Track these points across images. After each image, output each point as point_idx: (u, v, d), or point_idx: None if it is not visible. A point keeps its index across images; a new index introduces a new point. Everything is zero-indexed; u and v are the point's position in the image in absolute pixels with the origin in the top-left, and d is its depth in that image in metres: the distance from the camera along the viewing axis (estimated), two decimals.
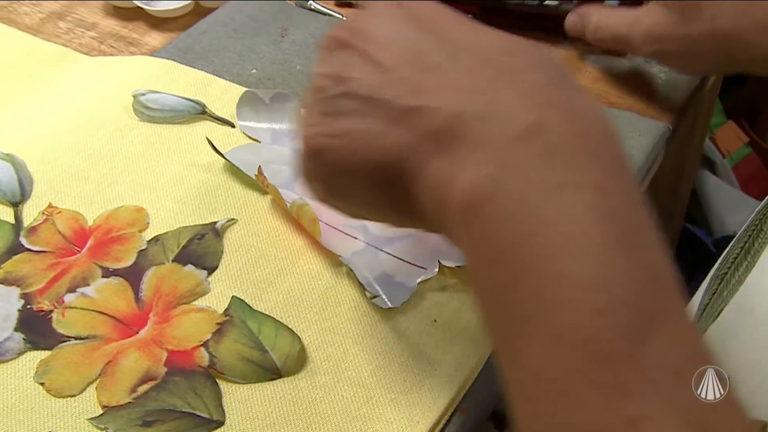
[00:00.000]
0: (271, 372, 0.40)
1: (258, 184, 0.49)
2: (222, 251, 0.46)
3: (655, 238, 0.25)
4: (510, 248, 0.24)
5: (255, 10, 0.64)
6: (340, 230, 0.47)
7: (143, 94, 0.55)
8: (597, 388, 0.22)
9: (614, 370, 0.22)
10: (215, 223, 0.47)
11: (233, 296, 0.43)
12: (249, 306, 0.43)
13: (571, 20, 0.57)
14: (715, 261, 0.42)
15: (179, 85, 0.56)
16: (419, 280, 0.44)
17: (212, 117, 0.54)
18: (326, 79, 0.31)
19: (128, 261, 0.45)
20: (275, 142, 0.52)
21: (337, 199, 0.34)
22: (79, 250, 0.46)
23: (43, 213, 0.48)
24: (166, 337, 0.42)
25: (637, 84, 0.57)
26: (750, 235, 0.39)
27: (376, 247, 0.46)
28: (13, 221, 0.47)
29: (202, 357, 0.41)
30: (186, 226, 0.47)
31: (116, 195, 0.49)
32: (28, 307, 0.43)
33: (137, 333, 0.42)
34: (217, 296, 0.44)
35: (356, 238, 0.46)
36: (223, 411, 0.39)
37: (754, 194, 1.18)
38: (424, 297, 0.44)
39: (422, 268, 0.44)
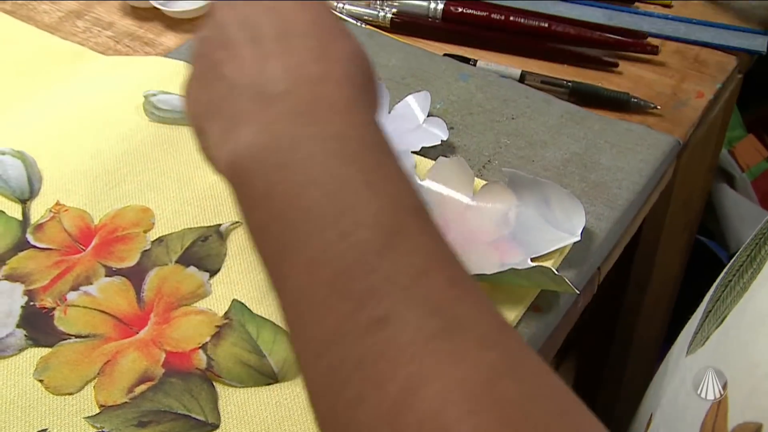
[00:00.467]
0: (268, 377, 0.40)
1: None
2: (225, 254, 0.46)
3: (396, 172, 0.29)
4: (266, 195, 0.28)
5: None
6: None
7: (154, 95, 0.55)
8: (344, 297, 0.26)
9: (360, 279, 0.26)
10: (219, 225, 0.47)
11: (234, 299, 0.43)
12: (249, 310, 0.43)
13: None
14: None
15: None
16: None
17: None
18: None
19: (132, 261, 0.46)
20: None
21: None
22: (84, 248, 0.46)
23: (50, 210, 0.48)
24: (165, 338, 0.42)
25: (650, 97, 0.57)
26: (757, 243, 0.39)
27: None
28: (20, 218, 0.48)
29: (200, 359, 0.41)
30: (190, 228, 0.47)
31: (123, 194, 0.49)
32: (31, 303, 0.43)
33: (137, 333, 0.42)
34: (218, 299, 0.44)
35: None
36: (218, 414, 0.39)
37: None
38: None
39: None
